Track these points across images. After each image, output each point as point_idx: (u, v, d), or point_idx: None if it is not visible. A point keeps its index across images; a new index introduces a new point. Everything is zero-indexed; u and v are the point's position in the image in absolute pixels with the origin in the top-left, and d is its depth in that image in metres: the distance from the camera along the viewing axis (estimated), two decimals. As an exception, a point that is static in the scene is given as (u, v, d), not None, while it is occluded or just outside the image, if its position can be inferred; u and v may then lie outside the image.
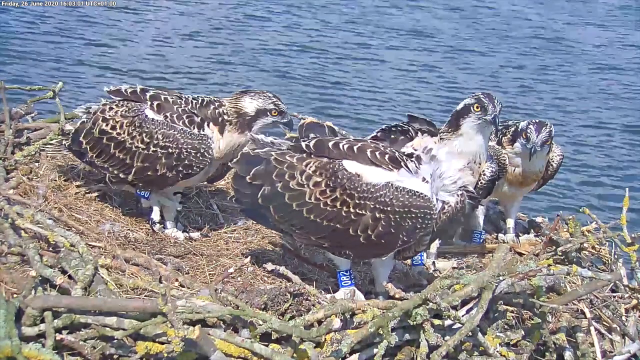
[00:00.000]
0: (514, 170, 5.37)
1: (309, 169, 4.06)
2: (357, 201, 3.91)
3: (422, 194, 3.91)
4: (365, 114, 13.15)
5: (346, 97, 13.91)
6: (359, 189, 3.92)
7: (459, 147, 4.13)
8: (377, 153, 3.97)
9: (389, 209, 3.87)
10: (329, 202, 3.98)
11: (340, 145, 4.06)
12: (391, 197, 3.87)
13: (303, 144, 4.20)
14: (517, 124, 5.32)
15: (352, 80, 14.93)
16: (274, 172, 4.15)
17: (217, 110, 4.88)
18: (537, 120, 5.20)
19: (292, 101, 13.15)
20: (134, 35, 15.56)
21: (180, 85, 13.08)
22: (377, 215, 3.89)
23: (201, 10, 18.38)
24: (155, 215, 5.17)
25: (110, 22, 16.04)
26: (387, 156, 3.97)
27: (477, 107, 4.10)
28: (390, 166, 3.96)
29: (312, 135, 4.34)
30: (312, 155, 4.14)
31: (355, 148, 4.01)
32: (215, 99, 4.99)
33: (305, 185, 4.03)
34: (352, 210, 3.92)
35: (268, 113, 4.89)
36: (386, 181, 3.91)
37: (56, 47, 14.00)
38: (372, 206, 3.88)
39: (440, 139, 4.12)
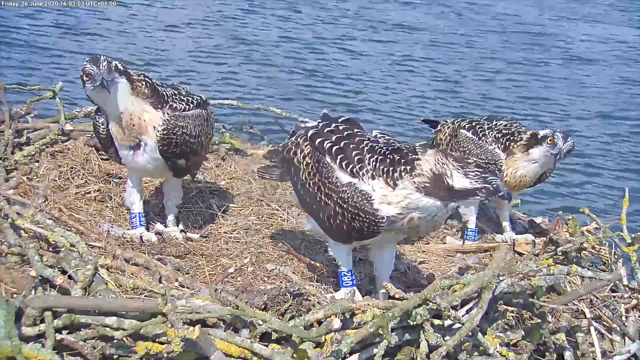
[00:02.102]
0: (516, 172, 5.52)
1: (306, 150, 4.38)
2: (327, 191, 4.19)
3: (373, 201, 4.03)
4: (350, 104, 13.38)
5: (331, 87, 14.12)
6: (329, 180, 4.18)
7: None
8: (344, 163, 4.16)
9: (344, 206, 4.10)
10: (311, 184, 4.30)
11: (325, 142, 4.28)
12: (349, 196, 4.09)
13: (310, 132, 4.44)
14: (535, 132, 5.53)
15: (337, 70, 15.13)
16: (290, 149, 4.53)
17: None
18: (562, 130, 5.50)
19: (279, 91, 13.33)
20: (134, 34, 15.55)
21: (180, 78, 13.24)
22: (336, 209, 4.14)
23: (201, 8, 18.58)
24: (136, 206, 5.12)
25: (110, 21, 16.03)
26: (350, 167, 4.14)
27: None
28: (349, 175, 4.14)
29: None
30: (310, 139, 4.41)
31: (334, 149, 4.22)
32: None
33: (301, 164, 4.38)
34: (323, 198, 4.21)
35: (83, 79, 4.53)
36: (349, 180, 4.11)
37: (56, 47, 13.96)
38: (335, 199, 4.14)
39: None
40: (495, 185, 3.92)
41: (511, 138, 5.59)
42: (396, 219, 4.03)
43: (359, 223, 4.06)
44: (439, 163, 3.93)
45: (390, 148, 4.13)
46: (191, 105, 4.97)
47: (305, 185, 4.33)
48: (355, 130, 4.34)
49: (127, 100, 4.67)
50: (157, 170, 5.08)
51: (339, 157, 4.18)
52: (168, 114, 4.79)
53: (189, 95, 5.04)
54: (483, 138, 5.63)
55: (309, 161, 4.32)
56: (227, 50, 15.42)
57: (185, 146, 4.88)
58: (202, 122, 5.01)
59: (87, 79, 4.52)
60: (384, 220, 4.02)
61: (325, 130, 4.36)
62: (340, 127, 4.36)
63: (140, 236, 4.99)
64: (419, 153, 4.07)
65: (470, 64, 16.72)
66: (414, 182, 3.95)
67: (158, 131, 4.75)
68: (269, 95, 12.94)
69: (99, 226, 5.04)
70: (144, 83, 4.75)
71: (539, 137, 5.46)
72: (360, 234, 4.13)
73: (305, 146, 4.38)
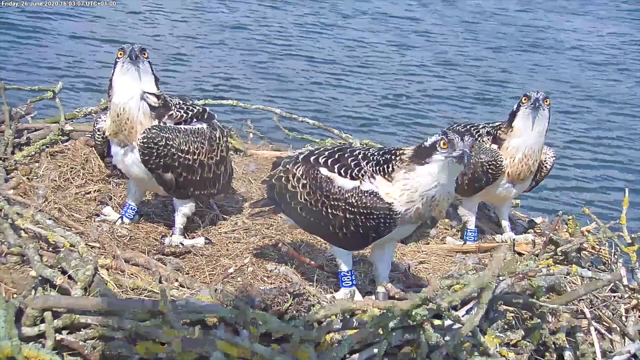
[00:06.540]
0: (514, 160, 5.41)
1: (299, 173, 4.42)
2: (332, 202, 4.24)
3: (382, 196, 4.10)
4: (340, 89, 13.69)
5: (314, 74, 14.40)
6: (332, 191, 4.23)
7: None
8: (342, 170, 4.24)
9: (355, 210, 4.15)
10: (312, 202, 4.32)
11: (319, 158, 4.35)
12: (357, 199, 4.15)
13: (300, 156, 4.52)
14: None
15: (323, 59, 15.43)
16: (280, 177, 4.55)
17: None
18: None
19: (270, 80, 13.55)
20: (133, 35, 15.57)
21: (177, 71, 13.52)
22: (347, 216, 4.19)
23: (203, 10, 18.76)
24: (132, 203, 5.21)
25: (110, 22, 16.06)
26: (349, 172, 4.21)
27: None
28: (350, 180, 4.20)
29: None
30: (301, 161, 4.46)
31: (329, 161, 4.30)
32: None
33: (297, 187, 4.41)
34: (329, 210, 4.26)
35: (116, 59, 4.86)
36: (353, 185, 4.18)
37: (56, 47, 14.00)
38: (343, 207, 4.20)
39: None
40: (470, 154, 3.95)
41: (499, 126, 5.55)
42: (414, 199, 4.06)
43: (374, 221, 4.10)
44: (420, 148, 4.05)
45: (380, 152, 4.25)
46: (190, 114, 4.98)
47: (306, 206, 4.33)
48: (344, 145, 4.41)
49: (139, 86, 4.77)
50: (149, 181, 4.99)
51: (336, 166, 4.25)
52: (155, 124, 4.81)
53: (193, 106, 5.07)
54: (479, 138, 5.59)
55: (305, 181, 4.35)
56: (214, 39, 15.73)
57: (170, 159, 4.83)
58: (200, 139, 4.96)
59: (120, 53, 4.76)
60: (397, 211, 4.07)
61: (315, 152, 4.44)
62: (329, 146, 4.50)
63: (115, 220, 5.12)
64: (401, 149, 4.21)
65: (450, 52, 17.13)
66: (406, 168, 4.05)
67: (139, 139, 4.78)
68: (256, 85, 13.10)
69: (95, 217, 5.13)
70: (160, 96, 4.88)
71: (514, 109, 5.38)
72: (376, 231, 4.15)
73: (297, 169, 4.42)
